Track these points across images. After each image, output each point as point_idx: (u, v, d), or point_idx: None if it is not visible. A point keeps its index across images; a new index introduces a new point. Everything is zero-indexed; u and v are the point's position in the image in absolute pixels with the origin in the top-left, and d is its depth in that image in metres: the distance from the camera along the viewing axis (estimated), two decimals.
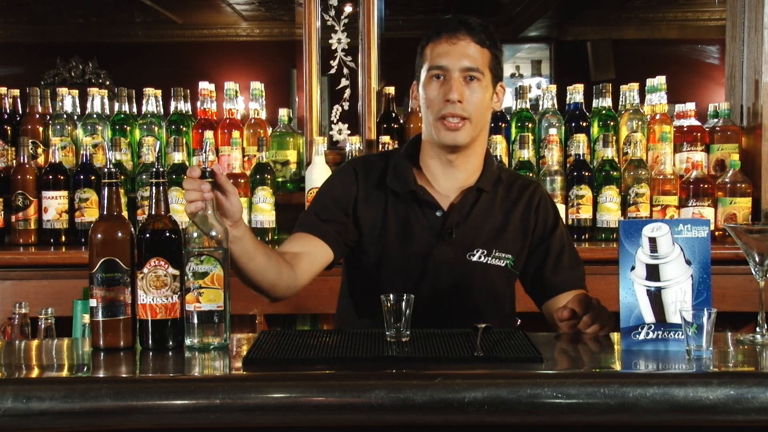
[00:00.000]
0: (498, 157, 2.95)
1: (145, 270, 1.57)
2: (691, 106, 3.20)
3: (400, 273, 1.96)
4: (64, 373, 1.56)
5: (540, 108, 3.15)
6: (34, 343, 1.88)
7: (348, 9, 3.04)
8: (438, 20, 1.96)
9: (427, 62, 1.92)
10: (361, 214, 1.99)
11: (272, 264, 1.80)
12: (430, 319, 1.77)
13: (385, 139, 2.98)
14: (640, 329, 1.57)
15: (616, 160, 2.98)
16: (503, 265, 1.99)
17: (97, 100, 3.13)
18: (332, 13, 3.05)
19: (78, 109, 3.18)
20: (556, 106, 3.09)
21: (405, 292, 1.81)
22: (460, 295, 1.89)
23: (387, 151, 2.15)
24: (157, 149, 3.01)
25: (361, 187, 1.99)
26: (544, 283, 2.02)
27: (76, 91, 3.23)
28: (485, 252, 1.97)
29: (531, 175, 2.92)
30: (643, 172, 2.93)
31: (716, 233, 2.84)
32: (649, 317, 1.57)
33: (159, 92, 3.13)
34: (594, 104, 3.10)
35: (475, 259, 1.97)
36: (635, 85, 3.11)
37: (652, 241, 1.56)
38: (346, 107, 3.03)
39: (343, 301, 2.13)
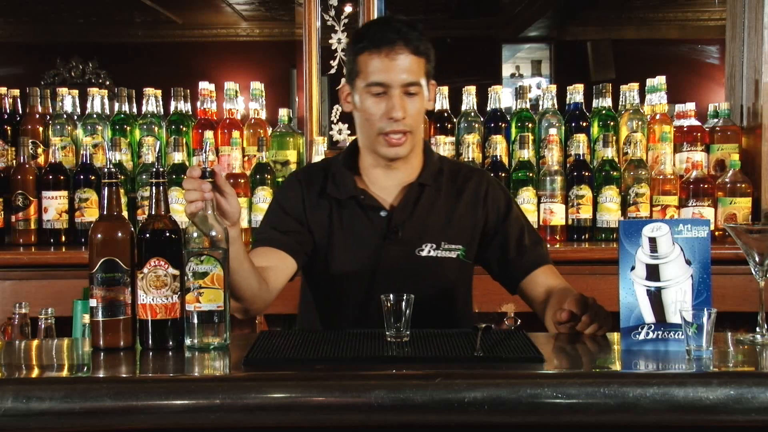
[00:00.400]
0: (498, 157, 2.95)
1: (145, 270, 1.57)
2: (691, 106, 3.20)
3: (352, 277, 1.98)
4: (64, 373, 1.56)
5: (540, 108, 3.15)
6: (34, 343, 1.88)
7: (348, 9, 3.04)
8: (373, 28, 1.93)
9: (364, 75, 1.90)
10: (311, 223, 2.01)
11: (256, 272, 1.81)
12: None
13: None
14: (640, 329, 1.57)
15: (616, 160, 2.98)
16: (454, 256, 1.99)
17: (97, 100, 3.13)
18: (332, 13, 3.05)
19: (78, 109, 3.18)
20: (556, 106, 3.09)
21: (359, 295, 1.85)
22: (415, 292, 1.89)
23: (328, 158, 2.16)
24: (157, 149, 3.01)
25: (306, 197, 2.01)
26: (512, 267, 2.02)
27: (76, 91, 3.23)
28: (434, 246, 1.98)
29: (531, 174, 2.92)
30: (643, 172, 2.93)
31: (716, 233, 2.84)
32: (649, 317, 1.57)
33: (159, 92, 3.13)
34: (594, 104, 3.10)
35: (424, 254, 1.98)
36: (635, 85, 3.11)
37: (652, 241, 1.56)
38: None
39: (303, 306, 2.15)
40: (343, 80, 1.99)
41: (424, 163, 2.03)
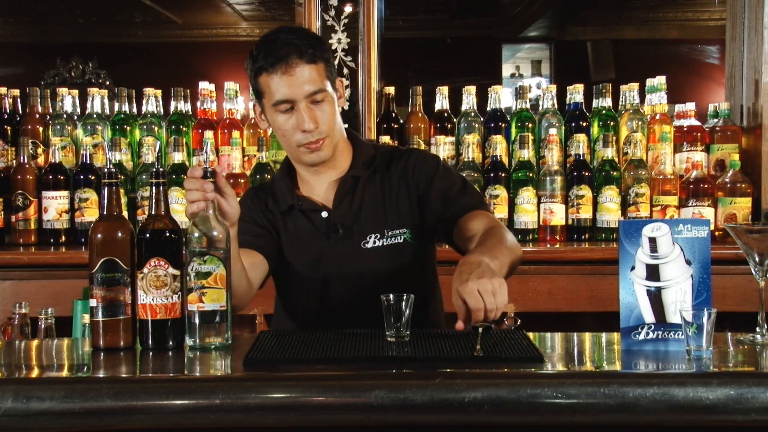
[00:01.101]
0: (498, 157, 2.95)
1: (145, 270, 1.57)
2: (691, 106, 3.20)
3: (307, 282, 2.00)
4: (64, 373, 1.56)
5: (540, 108, 3.15)
6: (34, 343, 1.88)
7: (348, 9, 3.04)
8: (264, 48, 1.91)
9: (269, 95, 1.91)
10: (270, 233, 2.03)
11: (245, 272, 1.85)
12: (352, 318, 1.82)
13: (385, 139, 2.99)
14: (640, 329, 1.57)
15: (616, 160, 2.98)
16: (401, 241, 1.99)
17: (97, 100, 3.13)
18: (332, 13, 3.05)
19: (78, 109, 3.18)
20: (556, 106, 3.09)
21: (317, 297, 1.88)
22: (370, 285, 1.88)
23: (274, 175, 2.18)
24: (157, 149, 3.01)
25: (257, 213, 2.04)
26: (444, 223, 1.99)
27: (76, 91, 3.23)
28: (378, 236, 1.98)
29: (531, 174, 2.92)
30: (643, 172, 2.93)
31: (716, 233, 2.84)
32: (649, 317, 1.57)
33: (159, 92, 3.13)
34: (594, 104, 3.10)
35: (369, 245, 1.98)
36: (635, 85, 3.11)
37: (652, 241, 1.56)
38: (346, 107, 3.03)
39: (276, 311, 2.17)
40: (252, 99, 2.00)
41: (354, 155, 2.04)
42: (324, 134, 1.92)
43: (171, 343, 1.59)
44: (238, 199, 1.79)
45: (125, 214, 2.84)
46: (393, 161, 2.05)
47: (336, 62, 3.05)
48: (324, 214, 2.00)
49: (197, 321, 1.57)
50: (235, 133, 3.02)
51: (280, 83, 1.88)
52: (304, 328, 2.01)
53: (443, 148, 3.00)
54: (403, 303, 1.60)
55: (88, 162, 2.95)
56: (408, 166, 2.03)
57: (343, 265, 1.97)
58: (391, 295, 1.60)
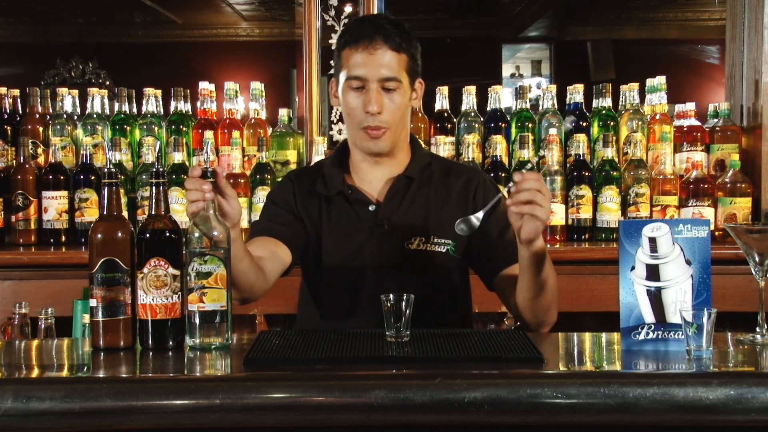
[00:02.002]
0: (498, 157, 2.95)
1: (145, 270, 1.57)
2: (691, 106, 3.20)
3: (343, 272, 1.99)
4: (64, 373, 1.56)
5: (540, 108, 3.15)
6: (34, 343, 1.88)
7: (348, 9, 3.04)
8: (355, 24, 1.96)
9: (345, 70, 1.94)
10: (302, 217, 2.03)
11: (254, 266, 1.84)
12: (378, 313, 1.80)
13: None
14: (640, 329, 1.57)
15: (616, 160, 2.98)
16: (444, 250, 2.00)
17: (97, 100, 3.13)
18: (332, 13, 3.05)
19: (78, 109, 3.18)
20: (556, 106, 3.09)
21: (350, 289, 1.86)
22: (405, 285, 1.89)
23: (321, 160, 2.19)
24: (157, 149, 3.01)
25: (297, 194, 2.05)
26: (493, 258, 2.00)
27: (76, 91, 3.23)
28: (423, 239, 1.99)
29: None
30: (643, 172, 2.93)
31: (716, 233, 2.84)
32: (649, 317, 1.57)
33: (159, 92, 3.13)
34: (594, 104, 3.10)
35: (414, 247, 1.98)
36: (635, 85, 3.11)
37: (652, 241, 1.56)
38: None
39: (301, 302, 2.16)
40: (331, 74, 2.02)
41: (411, 157, 2.05)
42: (386, 124, 1.93)
43: (171, 343, 1.59)
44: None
45: (125, 214, 2.84)
46: (452, 174, 2.06)
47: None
48: (371, 208, 2.00)
49: (197, 321, 1.57)
50: (235, 133, 3.02)
51: (358, 59, 1.90)
52: (308, 329, 2.01)
53: (443, 148, 3.00)
54: (403, 303, 1.60)
55: (88, 162, 2.95)
56: (470, 186, 2.04)
57: (384, 261, 1.97)
58: (391, 295, 1.60)
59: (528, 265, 1.82)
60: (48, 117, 3.13)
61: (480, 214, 1.81)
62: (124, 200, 2.89)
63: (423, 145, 2.13)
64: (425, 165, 2.05)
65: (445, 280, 2.03)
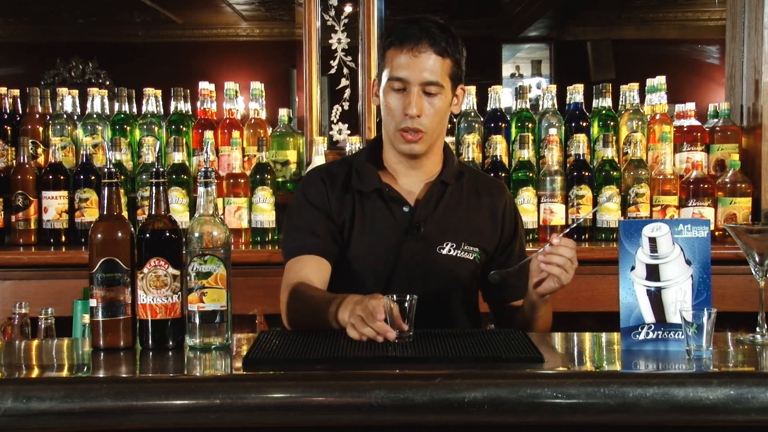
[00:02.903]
0: (498, 157, 2.95)
1: (145, 270, 1.57)
2: (691, 106, 3.20)
3: (371, 269, 1.98)
4: (64, 373, 1.57)
5: (540, 108, 3.15)
6: (34, 343, 1.88)
7: (348, 9, 3.04)
8: (402, 24, 1.95)
9: (388, 69, 1.93)
10: (335, 215, 2.01)
11: (322, 291, 1.91)
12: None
13: None
14: (640, 329, 1.57)
15: (616, 160, 2.98)
16: (471, 258, 2.01)
17: (97, 100, 3.13)
18: (332, 13, 3.05)
19: (78, 109, 3.18)
20: (556, 106, 3.09)
21: (376, 288, 1.85)
22: (432, 289, 1.91)
23: (347, 156, 2.19)
24: (157, 149, 3.01)
25: (330, 192, 2.02)
26: (506, 287, 2.04)
27: (76, 91, 3.23)
28: (454, 245, 1.99)
29: (531, 174, 2.92)
30: (643, 172, 2.93)
31: (716, 233, 2.84)
32: (649, 317, 1.57)
33: (159, 92, 3.13)
34: (594, 104, 3.10)
35: (444, 252, 1.98)
36: (635, 85, 3.11)
37: (652, 241, 1.56)
38: (346, 107, 3.03)
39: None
40: (376, 74, 2.02)
41: (445, 162, 2.05)
42: (424, 127, 1.92)
43: (171, 343, 1.59)
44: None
45: (125, 214, 2.84)
46: (480, 185, 2.08)
47: (336, 62, 3.06)
48: (406, 209, 1.99)
49: (197, 321, 1.57)
50: (235, 133, 3.02)
51: (402, 60, 1.90)
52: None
53: None
54: (407, 304, 1.60)
55: (88, 162, 2.95)
56: (499, 207, 2.07)
57: (415, 263, 1.97)
58: (395, 296, 1.60)
59: (530, 308, 1.91)
60: (48, 117, 3.13)
61: (515, 269, 1.87)
62: (124, 200, 2.89)
63: (452, 153, 2.12)
64: (459, 173, 2.05)
65: (468, 286, 2.05)
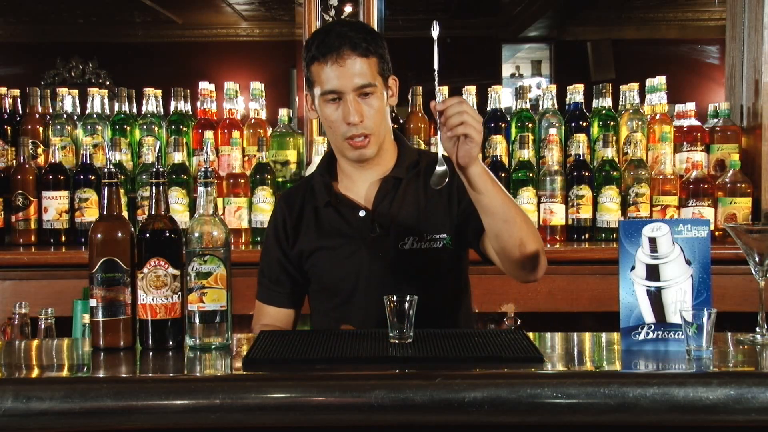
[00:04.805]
0: (498, 157, 2.95)
1: (145, 270, 1.57)
2: (691, 106, 3.20)
3: (341, 281, 2.00)
4: (64, 373, 1.56)
5: (540, 108, 3.15)
6: (34, 343, 1.89)
7: (348, 9, 3.04)
8: (318, 36, 1.93)
9: (318, 85, 1.92)
10: (299, 239, 2.04)
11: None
12: (382, 318, 1.79)
13: None
14: (640, 329, 1.57)
15: (616, 160, 2.98)
16: (440, 246, 1.98)
17: (97, 100, 3.13)
18: (332, 13, 3.05)
19: (78, 109, 3.18)
20: (556, 106, 3.09)
21: (352, 297, 1.88)
22: (403, 286, 1.88)
23: (312, 172, 2.19)
24: (157, 149, 3.01)
25: (288, 220, 2.05)
26: (471, 224, 1.95)
27: (76, 91, 3.23)
28: (416, 238, 1.98)
29: (531, 175, 2.92)
30: (643, 172, 2.93)
31: (716, 233, 2.84)
32: (649, 317, 1.57)
33: (159, 92, 3.13)
34: (594, 104, 3.10)
35: (408, 247, 1.97)
36: (635, 85, 3.11)
37: (652, 241, 1.56)
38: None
39: (313, 308, 2.17)
40: (305, 89, 2.01)
41: (398, 156, 2.04)
42: (369, 130, 1.92)
43: (171, 343, 1.59)
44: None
45: (125, 214, 2.84)
46: (430, 167, 2.01)
47: None
48: (362, 213, 1.99)
49: (197, 321, 1.57)
50: (235, 133, 3.02)
51: (330, 73, 1.88)
52: (317, 330, 2.02)
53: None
54: (407, 304, 1.59)
55: (88, 162, 2.95)
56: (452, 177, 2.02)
57: (378, 264, 1.97)
58: (395, 296, 1.59)
59: (474, 194, 1.75)
60: (48, 117, 3.13)
61: (440, 157, 1.75)
62: (124, 200, 2.89)
63: (408, 143, 2.11)
64: (413, 163, 2.04)
65: (444, 278, 2.02)
